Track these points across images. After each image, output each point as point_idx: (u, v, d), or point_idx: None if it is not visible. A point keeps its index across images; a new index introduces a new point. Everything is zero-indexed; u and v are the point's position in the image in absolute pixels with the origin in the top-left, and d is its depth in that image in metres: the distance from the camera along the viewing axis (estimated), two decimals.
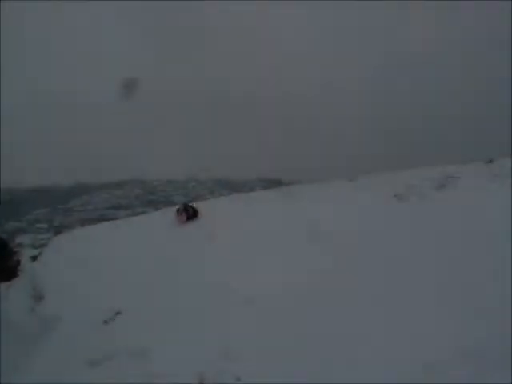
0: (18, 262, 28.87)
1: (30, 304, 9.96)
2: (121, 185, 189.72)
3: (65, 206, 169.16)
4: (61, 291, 9.23)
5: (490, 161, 11.08)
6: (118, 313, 7.40)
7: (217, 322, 6.81)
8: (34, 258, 13.47)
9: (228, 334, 6.47)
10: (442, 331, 5.88)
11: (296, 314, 6.64)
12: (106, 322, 7.20)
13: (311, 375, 5.50)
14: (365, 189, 11.40)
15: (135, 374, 5.91)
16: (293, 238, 8.89)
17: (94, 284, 8.91)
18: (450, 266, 7.12)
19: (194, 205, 11.69)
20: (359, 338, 5.98)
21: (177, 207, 11.33)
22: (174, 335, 6.63)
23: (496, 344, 5.43)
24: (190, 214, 11.07)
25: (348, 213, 9.72)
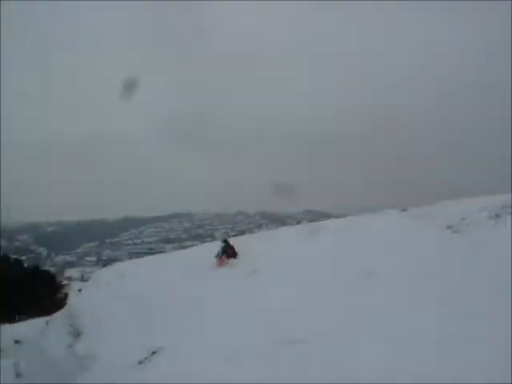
0: (66, 295, 28.99)
1: (69, 340, 9.69)
2: (169, 219, 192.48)
3: (113, 240, 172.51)
4: (99, 329, 8.90)
5: None
6: (154, 352, 6.89)
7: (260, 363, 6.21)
8: (80, 291, 13.35)
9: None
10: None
11: (346, 355, 5.94)
12: (140, 362, 6.70)
13: None
14: (417, 219, 10.69)
15: None
16: (344, 275, 8.23)
17: (131, 321, 8.50)
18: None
19: (232, 242, 11.65)
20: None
21: (217, 251, 11.18)
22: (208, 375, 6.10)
23: None
24: (229, 254, 11.07)
25: (400, 246, 8.98)
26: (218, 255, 11.01)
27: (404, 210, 12.24)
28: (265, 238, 12.59)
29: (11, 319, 29.15)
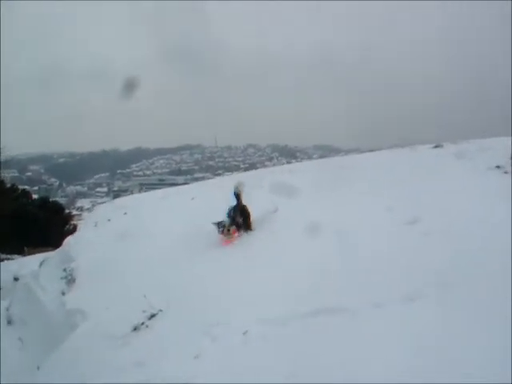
0: (75, 227, 28.12)
1: (61, 287, 8.61)
2: (180, 150, 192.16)
3: (124, 171, 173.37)
4: (93, 278, 7.73)
5: None
6: (153, 316, 5.66)
7: None
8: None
9: None
10: None
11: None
12: (136, 328, 5.47)
13: None
14: (457, 157, 9.12)
15: None
16: (384, 221, 6.82)
17: (130, 271, 7.30)
18: None
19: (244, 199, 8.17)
20: None
21: (221, 223, 7.63)
22: None
23: None
24: (239, 224, 7.80)
25: (444, 187, 7.47)
26: (222, 228, 7.58)
27: (439, 146, 10.56)
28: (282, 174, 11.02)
29: (20, 251, 28.73)
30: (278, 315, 4.93)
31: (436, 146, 10.49)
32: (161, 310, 5.68)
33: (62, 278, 8.82)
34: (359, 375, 3.80)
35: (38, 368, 6.55)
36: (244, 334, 4.76)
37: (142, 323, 5.52)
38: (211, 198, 9.69)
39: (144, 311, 5.68)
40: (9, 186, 35.09)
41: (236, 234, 7.62)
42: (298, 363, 4.12)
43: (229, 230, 7.51)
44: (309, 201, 8.19)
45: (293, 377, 3.94)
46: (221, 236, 7.55)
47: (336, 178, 8.94)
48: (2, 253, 27.56)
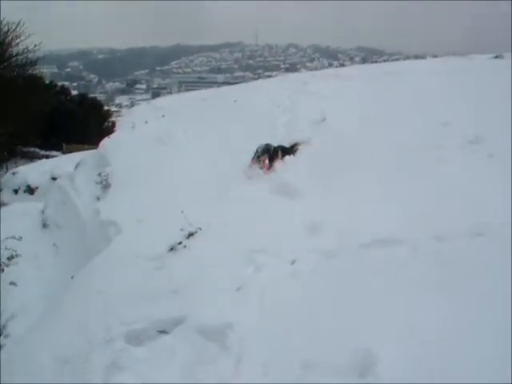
0: (114, 124, 27.88)
1: (97, 192, 8.22)
2: (220, 48, 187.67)
3: (164, 68, 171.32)
4: (127, 186, 7.22)
5: None
6: (191, 234, 5.12)
7: None
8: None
9: None
10: None
11: None
12: (172, 248, 4.96)
13: None
14: None
15: None
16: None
17: (167, 184, 6.75)
18: None
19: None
20: None
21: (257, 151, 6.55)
22: None
23: None
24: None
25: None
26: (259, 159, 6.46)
27: (499, 56, 9.30)
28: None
29: (59, 148, 28.89)
30: (329, 246, 4.32)
31: (496, 57, 9.32)
32: (200, 229, 5.15)
33: (97, 183, 8.41)
34: (417, 321, 3.23)
35: (72, 277, 6.31)
36: (292, 263, 4.20)
37: (180, 243, 5.00)
38: (254, 102, 8.87)
39: (182, 229, 5.15)
40: (48, 82, 34.76)
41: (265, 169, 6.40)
42: (350, 302, 3.57)
43: (259, 158, 6.45)
44: (362, 111, 7.30)
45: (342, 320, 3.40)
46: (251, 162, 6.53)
47: (387, 87, 8.02)
48: (41, 149, 27.78)
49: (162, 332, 3.84)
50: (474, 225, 4.06)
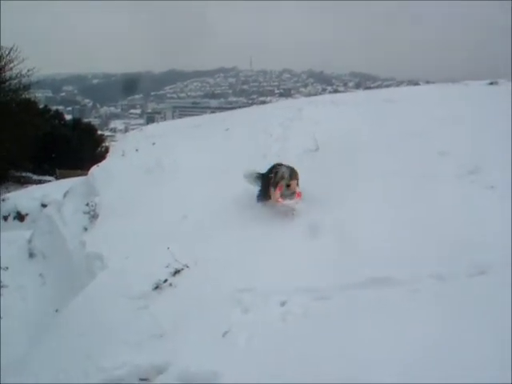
0: (107, 149, 27.76)
1: (84, 223, 8.04)
2: (214, 73, 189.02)
3: (158, 93, 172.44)
4: (115, 216, 7.04)
5: None
6: (177, 272, 4.91)
7: None
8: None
9: None
10: None
11: None
12: (157, 286, 4.74)
13: None
14: None
15: None
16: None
17: (155, 213, 6.57)
18: None
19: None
20: None
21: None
22: None
23: None
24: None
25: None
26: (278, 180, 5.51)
27: (494, 83, 9.21)
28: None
29: (52, 173, 28.70)
30: (320, 285, 4.11)
31: (491, 83, 9.21)
32: (187, 266, 4.93)
33: (84, 213, 8.26)
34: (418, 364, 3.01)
35: (56, 311, 6.26)
36: (282, 305, 3.99)
37: (165, 280, 4.79)
38: (247, 130, 8.73)
39: (167, 266, 4.94)
40: (42, 106, 34.73)
41: (298, 198, 5.49)
42: (347, 349, 3.34)
43: (289, 186, 5.48)
44: (358, 139, 7.14)
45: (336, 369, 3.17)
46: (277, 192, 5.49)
47: (385, 115, 7.88)
48: (34, 174, 27.56)
49: (144, 380, 3.61)
50: (474, 262, 3.88)
